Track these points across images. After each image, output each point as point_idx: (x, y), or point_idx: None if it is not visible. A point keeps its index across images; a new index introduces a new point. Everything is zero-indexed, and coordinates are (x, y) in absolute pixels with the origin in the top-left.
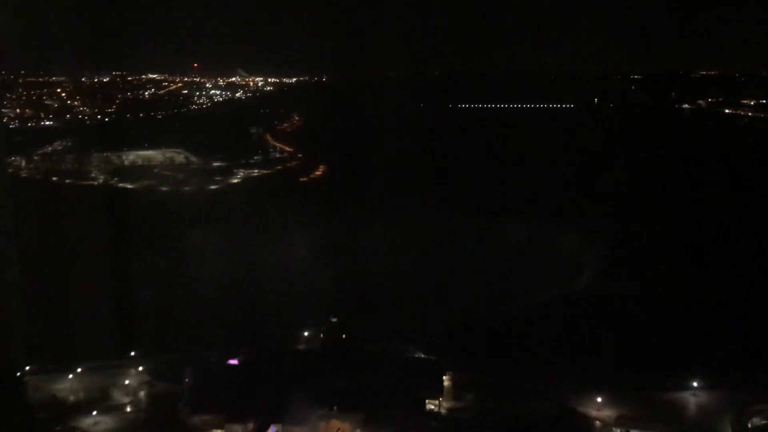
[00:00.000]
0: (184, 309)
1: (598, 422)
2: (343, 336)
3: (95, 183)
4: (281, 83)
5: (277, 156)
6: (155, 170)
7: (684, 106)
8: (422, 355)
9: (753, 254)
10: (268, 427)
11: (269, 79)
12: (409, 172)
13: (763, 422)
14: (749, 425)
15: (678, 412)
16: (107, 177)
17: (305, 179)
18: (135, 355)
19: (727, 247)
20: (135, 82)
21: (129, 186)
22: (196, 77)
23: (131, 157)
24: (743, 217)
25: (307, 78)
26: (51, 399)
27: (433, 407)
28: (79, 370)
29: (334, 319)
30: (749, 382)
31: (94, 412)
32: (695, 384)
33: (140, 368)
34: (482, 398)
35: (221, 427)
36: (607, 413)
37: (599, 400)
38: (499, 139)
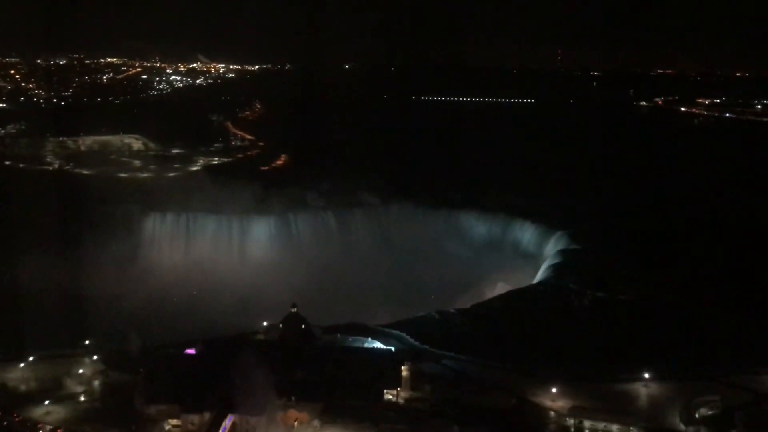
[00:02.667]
0: (141, 297)
1: (552, 412)
2: (302, 326)
3: (50, 168)
4: (243, 70)
5: (238, 144)
6: (112, 156)
7: (642, 103)
8: (380, 346)
9: (704, 249)
10: (225, 417)
11: (231, 66)
12: (369, 163)
13: (710, 412)
14: (697, 415)
15: (630, 402)
16: (62, 162)
17: (266, 168)
18: (89, 343)
19: (680, 242)
20: (93, 65)
21: (85, 172)
22: (156, 62)
23: (88, 142)
24: (697, 212)
25: (269, 66)
26: (1, 388)
27: (390, 397)
28: (30, 359)
29: (293, 309)
30: (697, 374)
31: (47, 402)
32: (646, 376)
33: (94, 357)
34: (439, 389)
35: (177, 417)
36: (562, 404)
37: (554, 391)
38: (461, 132)
